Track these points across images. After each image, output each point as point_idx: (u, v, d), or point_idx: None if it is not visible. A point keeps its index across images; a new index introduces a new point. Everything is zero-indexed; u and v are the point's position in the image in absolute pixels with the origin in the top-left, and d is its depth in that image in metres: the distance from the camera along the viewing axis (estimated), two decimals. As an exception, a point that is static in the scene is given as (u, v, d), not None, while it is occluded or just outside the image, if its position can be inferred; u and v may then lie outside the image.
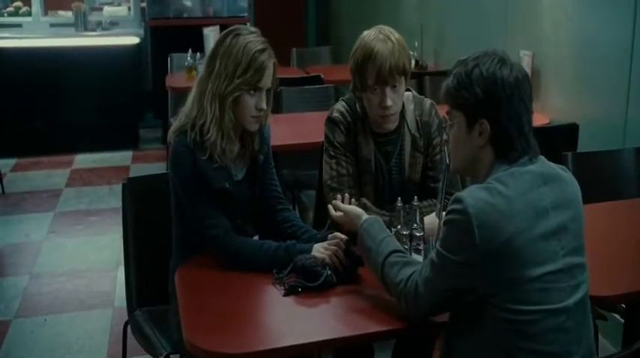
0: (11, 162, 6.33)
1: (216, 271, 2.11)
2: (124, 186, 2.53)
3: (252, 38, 2.15)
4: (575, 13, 3.69)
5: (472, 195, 1.60)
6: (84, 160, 6.51)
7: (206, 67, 2.19)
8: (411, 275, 1.74)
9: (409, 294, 1.72)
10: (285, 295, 1.94)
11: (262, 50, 2.14)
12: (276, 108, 4.40)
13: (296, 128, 3.98)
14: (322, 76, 4.97)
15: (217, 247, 2.14)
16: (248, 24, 7.50)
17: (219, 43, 2.17)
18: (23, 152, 6.51)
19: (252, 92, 2.14)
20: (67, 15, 7.01)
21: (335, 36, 8.36)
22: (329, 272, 1.97)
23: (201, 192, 2.15)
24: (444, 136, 1.82)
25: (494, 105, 1.63)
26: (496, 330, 1.59)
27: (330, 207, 2.14)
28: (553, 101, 3.86)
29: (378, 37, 2.28)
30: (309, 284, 1.95)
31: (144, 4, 7.23)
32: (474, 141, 1.68)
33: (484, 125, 1.65)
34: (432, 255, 1.68)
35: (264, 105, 2.17)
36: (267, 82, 2.16)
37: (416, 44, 5.53)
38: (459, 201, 1.60)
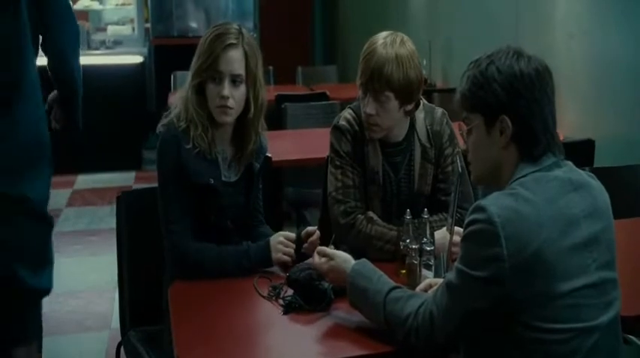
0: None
1: (211, 286, 1.99)
2: (118, 199, 2.42)
3: (222, 28, 2.10)
4: (588, 27, 3.60)
5: (496, 202, 1.46)
6: (86, 180, 6.43)
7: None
8: (420, 305, 1.57)
9: (423, 327, 1.54)
10: (285, 313, 1.81)
11: (224, 33, 2.08)
12: (281, 124, 4.33)
13: (300, 143, 3.91)
14: (328, 93, 4.87)
15: (176, 254, 2.10)
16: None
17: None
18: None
19: (215, 80, 2.08)
20: (70, 34, 6.94)
21: (342, 54, 8.30)
22: (326, 285, 1.83)
23: (177, 190, 2.09)
24: (463, 146, 1.68)
25: (514, 99, 1.51)
26: (522, 352, 1.44)
27: (314, 255, 1.86)
28: (567, 117, 3.75)
29: (386, 39, 2.16)
30: (306, 305, 1.81)
31: (148, 25, 7.20)
32: (496, 142, 1.54)
33: (505, 122, 1.52)
34: (449, 276, 1.53)
35: (225, 92, 2.07)
36: (226, 66, 2.06)
37: (424, 62, 5.44)
38: (481, 209, 1.45)
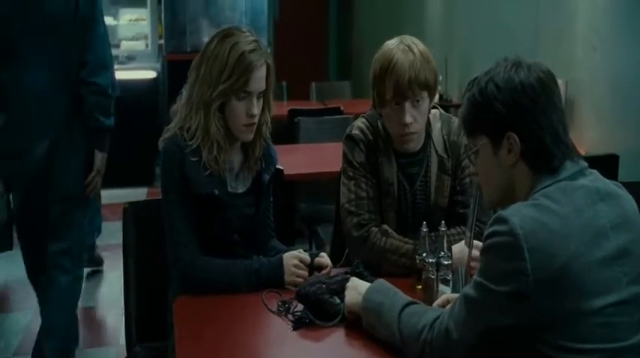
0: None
1: (217, 301, 1.92)
2: (125, 210, 2.34)
3: (240, 39, 2.00)
4: (609, 38, 3.52)
5: (518, 213, 1.37)
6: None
7: (193, 71, 2.05)
8: (436, 319, 1.48)
9: (437, 341, 1.45)
10: (295, 329, 1.72)
11: (251, 51, 1.98)
12: (293, 138, 4.27)
13: (313, 157, 3.86)
14: (342, 107, 4.81)
15: (183, 269, 2.00)
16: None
17: (206, 46, 2.04)
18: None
19: (241, 97, 1.99)
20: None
21: (356, 70, 8.26)
22: (337, 300, 1.75)
23: (181, 203, 2.01)
24: (472, 169, 1.60)
25: (518, 114, 1.43)
26: None
27: None
28: (589, 131, 3.66)
29: (399, 46, 2.09)
30: (317, 321, 1.73)
31: (161, 42, 7.20)
32: (504, 161, 1.46)
33: (512, 139, 1.44)
34: (467, 289, 1.44)
35: (255, 111, 2.01)
36: (256, 85, 2.00)
37: (440, 78, 5.37)
38: (502, 220, 1.36)
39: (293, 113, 4.54)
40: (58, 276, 2.96)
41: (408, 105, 2.07)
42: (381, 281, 1.70)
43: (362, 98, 6.08)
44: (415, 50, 2.08)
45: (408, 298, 1.61)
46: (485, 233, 1.40)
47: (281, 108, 5.05)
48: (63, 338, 2.98)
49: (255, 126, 2.04)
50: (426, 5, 6.14)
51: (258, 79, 2.00)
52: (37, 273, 3.05)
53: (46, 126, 2.84)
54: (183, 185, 2.00)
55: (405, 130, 2.10)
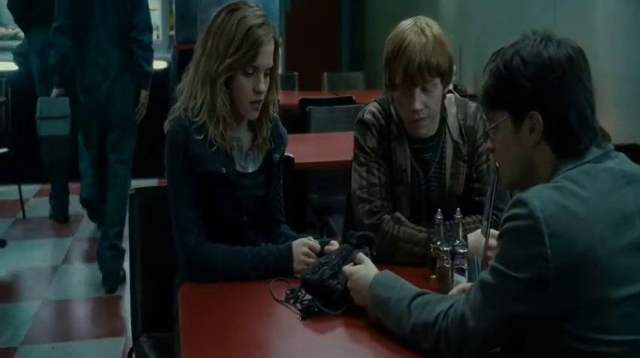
0: (35, 188, 6.21)
1: (223, 288, 1.86)
2: (131, 197, 2.28)
3: (248, 13, 1.94)
4: (631, 26, 3.42)
5: (539, 195, 1.29)
6: (108, 186, 6.34)
7: (199, 48, 1.98)
8: (450, 307, 1.41)
9: (453, 329, 1.38)
10: (303, 319, 1.66)
11: (259, 25, 1.92)
12: (304, 128, 4.20)
13: (324, 147, 3.79)
14: (354, 97, 4.73)
15: (188, 255, 1.94)
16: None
17: (214, 20, 1.98)
18: (47, 179, 6.34)
19: (248, 73, 1.93)
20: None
21: (369, 61, 8.17)
22: (340, 286, 1.67)
23: (188, 185, 1.95)
24: (489, 144, 1.52)
25: (544, 91, 1.35)
26: None
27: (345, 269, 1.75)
28: (610, 121, 3.56)
29: (413, 28, 2.01)
30: (325, 309, 1.66)
31: (172, 33, 7.15)
32: (525, 140, 1.39)
33: (535, 118, 1.36)
34: (483, 275, 1.37)
35: (262, 87, 1.95)
36: (264, 60, 1.94)
37: (454, 68, 5.28)
38: (522, 203, 1.29)
39: (304, 102, 4.47)
40: (116, 177, 4.19)
41: (417, 91, 2.00)
42: (386, 273, 1.62)
43: (375, 89, 6.00)
44: (428, 32, 2.00)
45: (416, 289, 1.54)
46: (504, 216, 1.33)
47: (292, 98, 4.98)
48: (122, 222, 4.04)
49: (260, 104, 1.99)
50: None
51: (266, 54, 1.94)
52: (100, 175, 4.33)
53: (108, 70, 4.02)
54: (188, 167, 1.94)
55: (415, 116, 2.03)
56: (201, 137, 1.94)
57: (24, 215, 5.47)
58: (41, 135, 4.55)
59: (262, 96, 1.97)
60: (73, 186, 5.52)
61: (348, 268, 1.69)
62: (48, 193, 5.71)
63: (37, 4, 4.95)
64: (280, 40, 2.00)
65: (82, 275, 4.43)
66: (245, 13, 1.94)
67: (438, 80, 2.01)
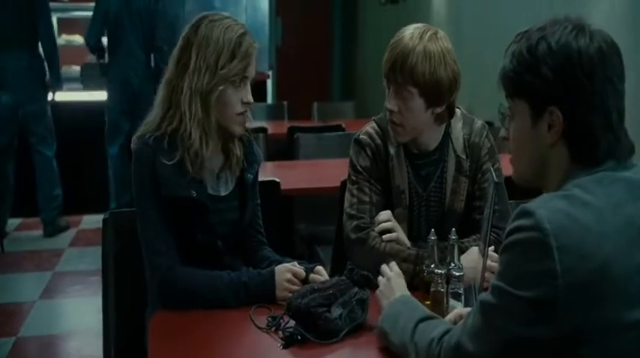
0: (16, 221, 6.05)
1: (198, 316, 1.72)
2: (104, 221, 2.13)
3: (229, 23, 1.84)
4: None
5: (546, 205, 1.16)
6: (91, 221, 6.17)
7: (176, 64, 1.85)
8: (446, 331, 1.30)
9: (446, 354, 1.26)
10: (285, 347, 1.51)
11: (244, 34, 1.83)
12: (293, 155, 4.08)
13: (312, 173, 3.67)
14: (343, 125, 4.62)
15: (161, 278, 1.80)
16: (269, 80, 7.29)
17: (192, 34, 1.84)
18: (29, 212, 6.18)
19: (237, 84, 1.82)
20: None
21: (360, 91, 8.11)
22: (334, 315, 1.53)
23: (157, 209, 1.82)
24: (502, 133, 1.38)
25: (568, 87, 1.21)
26: None
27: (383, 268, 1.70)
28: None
29: (414, 32, 1.92)
30: (310, 337, 1.52)
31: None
32: (542, 137, 1.25)
33: (555, 115, 1.23)
34: (484, 295, 1.23)
35: (251, 98, 1.86)
36: (253, 70, 1.86)
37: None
38: (527, 213, 1.16)
39: (293, 130, 4.35)
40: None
41: (391, 91, 1.93)
42: (408, 295, 1.57)
43: (366, 118, 5.91)
44: (424, 42, 1.89)
45: (428, 312, 1.44)
46: (507, 228, 1.19)
47: (281, 127, 4.89)
48: None
49: (246, 118, 1.89)
50: (432, 24, 6.00)
51: (254, 64, 1.87)
52: None
53: (137, 69, 5.29)
54: (157, 188, 1.81)
55: (391, 116, 1.95)
56: (170, 161, 1.81)
57: (2, 249, 5.30)
58: None
59: (251, 107, 1.87)
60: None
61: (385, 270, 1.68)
62: (29, 226, 5.55)
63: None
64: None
65: (61, 310, 4.28)
66: (228, 23, 1.84)
67: (415, 91, 1.89)
